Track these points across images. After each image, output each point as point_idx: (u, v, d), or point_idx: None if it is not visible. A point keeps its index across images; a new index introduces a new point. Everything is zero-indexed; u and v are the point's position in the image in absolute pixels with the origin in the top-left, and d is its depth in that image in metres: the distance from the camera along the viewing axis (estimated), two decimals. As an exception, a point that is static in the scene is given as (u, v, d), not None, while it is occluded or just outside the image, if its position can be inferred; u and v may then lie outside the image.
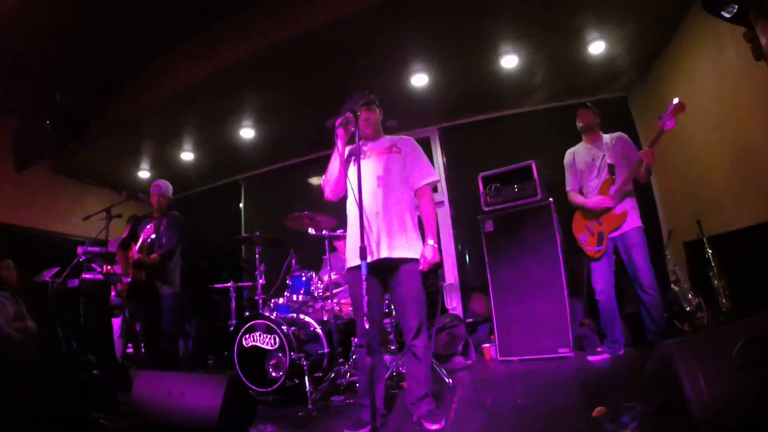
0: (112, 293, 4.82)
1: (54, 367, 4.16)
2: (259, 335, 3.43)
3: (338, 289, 3.99)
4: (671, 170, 4.69)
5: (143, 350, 3.96)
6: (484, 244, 4.13)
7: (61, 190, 6.10)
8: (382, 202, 2.55)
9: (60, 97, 4.06)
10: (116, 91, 5.00)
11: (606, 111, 3.89)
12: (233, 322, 4.37)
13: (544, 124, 5.49)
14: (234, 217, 7.17)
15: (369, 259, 2.44)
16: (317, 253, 4.24)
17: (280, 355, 3.31)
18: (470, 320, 4.97)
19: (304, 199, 5.62)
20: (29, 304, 4.38)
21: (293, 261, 4.09)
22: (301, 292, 3.89)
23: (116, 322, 5.27)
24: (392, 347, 3.69)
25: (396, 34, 4.05)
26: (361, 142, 2.71)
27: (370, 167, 2.63)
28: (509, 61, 4.53)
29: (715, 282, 3.60)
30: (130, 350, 4.79)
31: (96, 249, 5.01)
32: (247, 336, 3.48)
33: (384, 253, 2.48)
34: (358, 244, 2.19)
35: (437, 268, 2.59)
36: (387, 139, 2.79)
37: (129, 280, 3.82)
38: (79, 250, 4.62)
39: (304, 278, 3.92)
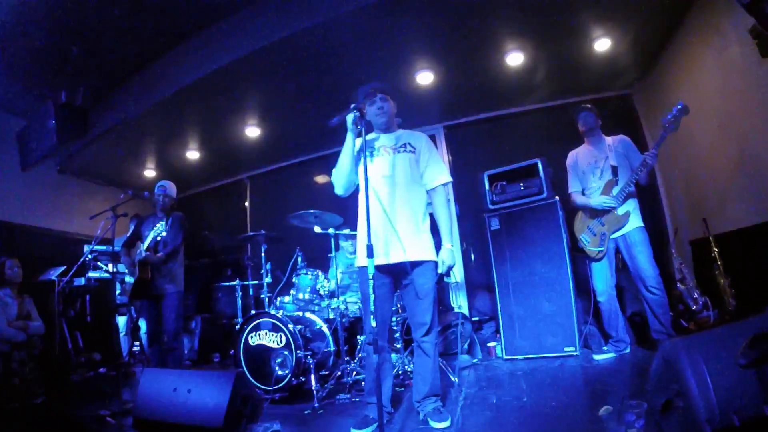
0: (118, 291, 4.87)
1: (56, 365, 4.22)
2: (265, 333, 3.45)
3: (344, 287, 4.00)
4: (676, 169, 4.67)
5: (148, 348, 3.99)
6: (490, 242, 4.11)
7: (66, 188, 6.10)
8: (395, 202, 2.52)
9: (64, 96, 4.07)
10: (120, 90, 5.01)
11: (610, 109, 3.87)
12: (239, 320, 4.38)
13: (550, 121, 5.46)
14: (240, 216, 7.19)
15: (383, 262, 2.45)
16: (323, 251, 4.25)
17: (286, 353, 3.32)
18: (476, 318, 4.97)
19: (310, 197, 5.62)
20: (36, 303, 4.40)
21: (299, 259, 4.10)
22: (307, 290, 3.91)
23: (122, 321, 5.31)
24: (398, 345, 3.70)
25: (401, 32, 4.03)
26: (373, 135, 2.69)
27: (382, 165, 2.59)
28: (515, 59, 4.50)
29: (721, 280, 3.59)
30: (136, 348, 4.82)
31: (102, 248, 5.06)
32: (253, 334, 3.50)
33: (399, 257, 2.46)
34: (368, 242, 2.19)
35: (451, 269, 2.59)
36: (401, 135, 2.71)
37: (134, 278, 3.87)
38: (85, 248, 4.64)
39: (310, 276, 3.94)
